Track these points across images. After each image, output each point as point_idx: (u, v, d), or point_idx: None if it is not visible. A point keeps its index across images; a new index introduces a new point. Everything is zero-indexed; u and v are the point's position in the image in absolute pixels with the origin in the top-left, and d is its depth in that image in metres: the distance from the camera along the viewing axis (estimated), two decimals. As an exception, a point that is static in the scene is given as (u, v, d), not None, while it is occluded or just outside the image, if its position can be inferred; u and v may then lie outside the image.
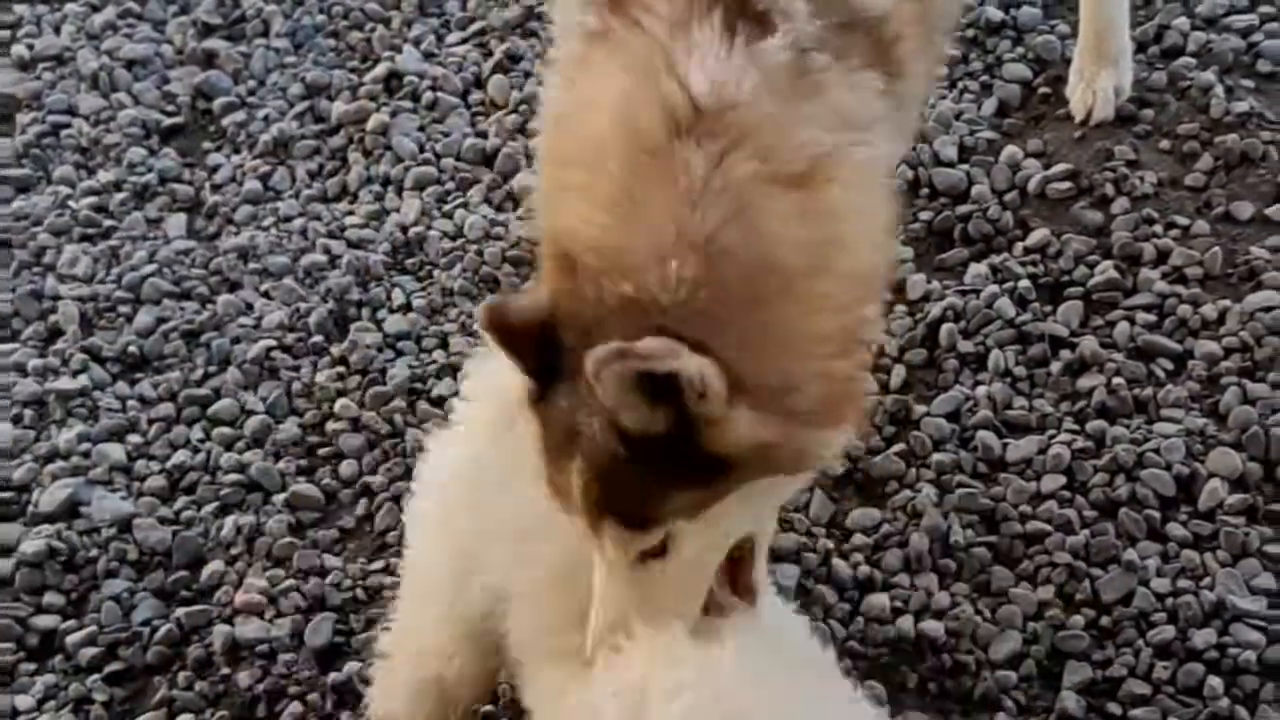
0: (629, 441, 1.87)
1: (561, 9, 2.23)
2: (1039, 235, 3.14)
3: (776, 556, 2.79)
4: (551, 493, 1.99)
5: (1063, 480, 2.83)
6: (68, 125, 3.56)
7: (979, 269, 3.11)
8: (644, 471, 1.90)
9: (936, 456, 2.89)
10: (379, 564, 2.84)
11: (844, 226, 1.97)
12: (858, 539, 2.80)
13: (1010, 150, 3.27)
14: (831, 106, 1.99)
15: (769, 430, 1.89)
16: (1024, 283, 3.08)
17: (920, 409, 2.94)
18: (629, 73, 1.99)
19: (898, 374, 2.99)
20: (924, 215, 3.20)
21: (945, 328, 3.03)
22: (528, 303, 1.97)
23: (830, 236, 1.95)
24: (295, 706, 2.65)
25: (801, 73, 1.98)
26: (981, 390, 2.96)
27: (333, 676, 2.68)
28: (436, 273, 3.23)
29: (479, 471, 2.19)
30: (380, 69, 3.55)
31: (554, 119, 2.13)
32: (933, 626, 2.69)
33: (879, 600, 2.73)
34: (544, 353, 1.94)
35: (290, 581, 2.83)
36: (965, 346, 3.01)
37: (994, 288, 3.07)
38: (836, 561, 2.77)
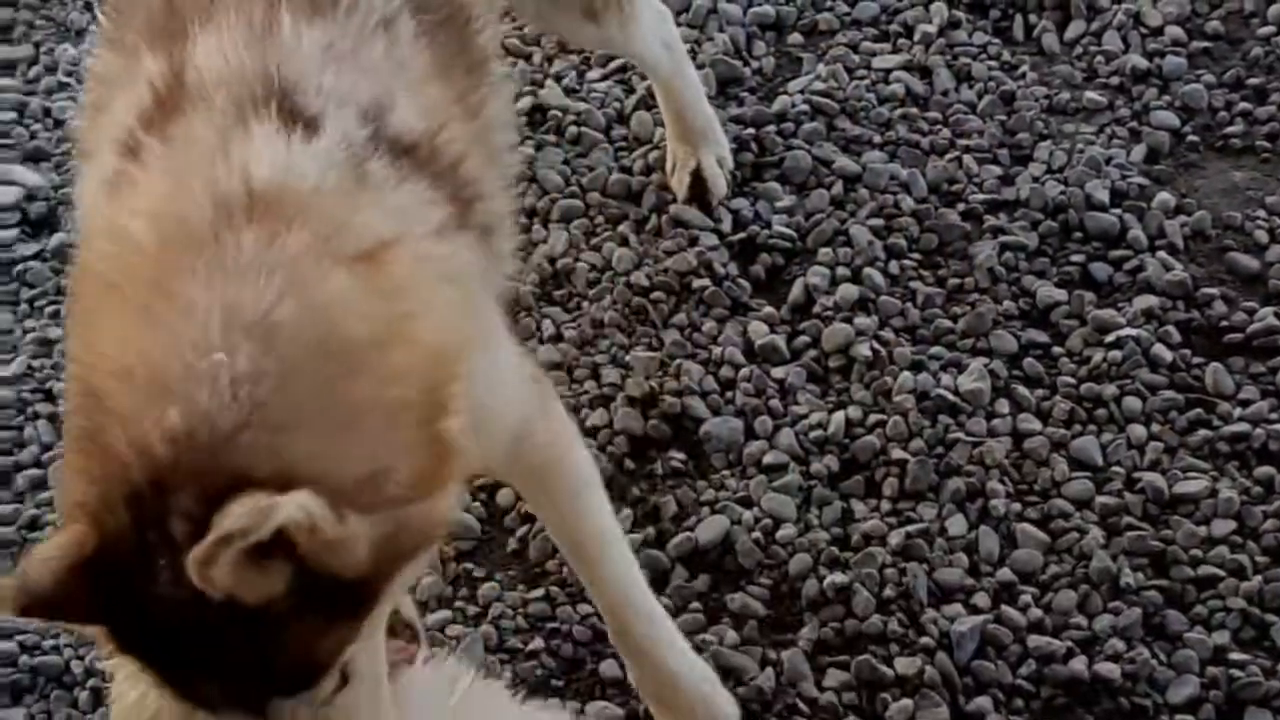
0: (259, 612, 1.69)
1: (90, 162, 2.07)
2: (1195, 280, 3.13)
3: (942, 598, 2.78)
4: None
5: (1233, 525, 2.82)
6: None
7: (1132, 313, 3.10)
8: (294, 628, 1.73)
9: (1102, 499, 2.87)
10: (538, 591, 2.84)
11: (412, 300, 1.86)
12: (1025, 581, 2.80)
13: (1163, 197, 3.26)
14: (390, 205, 1.92)
15: (386, 526, 1.74)
16: (1178, 327, 3.07)
17: (1084, 452, 2.93)
18: (171, 175, 1.87)
19: (1060, 412, 2.98)
20: (1076, 259, 3.19)
21: (1101, 371, 3.02)
22: (51, 551, 1.71)
23: (398, 310, 1.84)
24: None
25: (358, 173, 1.91)
26: (1141, 432, 2.95)
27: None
28: (585, 304, 3.22)
29: None
30: (523, 103, 3.55)
31: (85, 249, 1.96)
32: (1108, 668, 2.67)
33: (1051, 642, 2.71)
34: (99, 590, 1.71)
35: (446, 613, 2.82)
36: (1112, 390, 3.00)
37: (1148, 332, 3.07)
38: (1004, 605, 2.77)
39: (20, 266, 3.33)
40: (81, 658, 2.80)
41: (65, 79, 3.64)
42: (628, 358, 3.11)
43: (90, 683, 2.78)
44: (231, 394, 1.69)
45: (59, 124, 3.56)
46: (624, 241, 3.29)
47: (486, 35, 2.37)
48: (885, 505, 2.90)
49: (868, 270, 3.18)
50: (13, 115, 3.57)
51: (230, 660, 1.74)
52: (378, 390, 1.78)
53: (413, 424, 1.81)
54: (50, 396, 3.13)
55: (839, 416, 3.00)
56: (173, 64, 1.99)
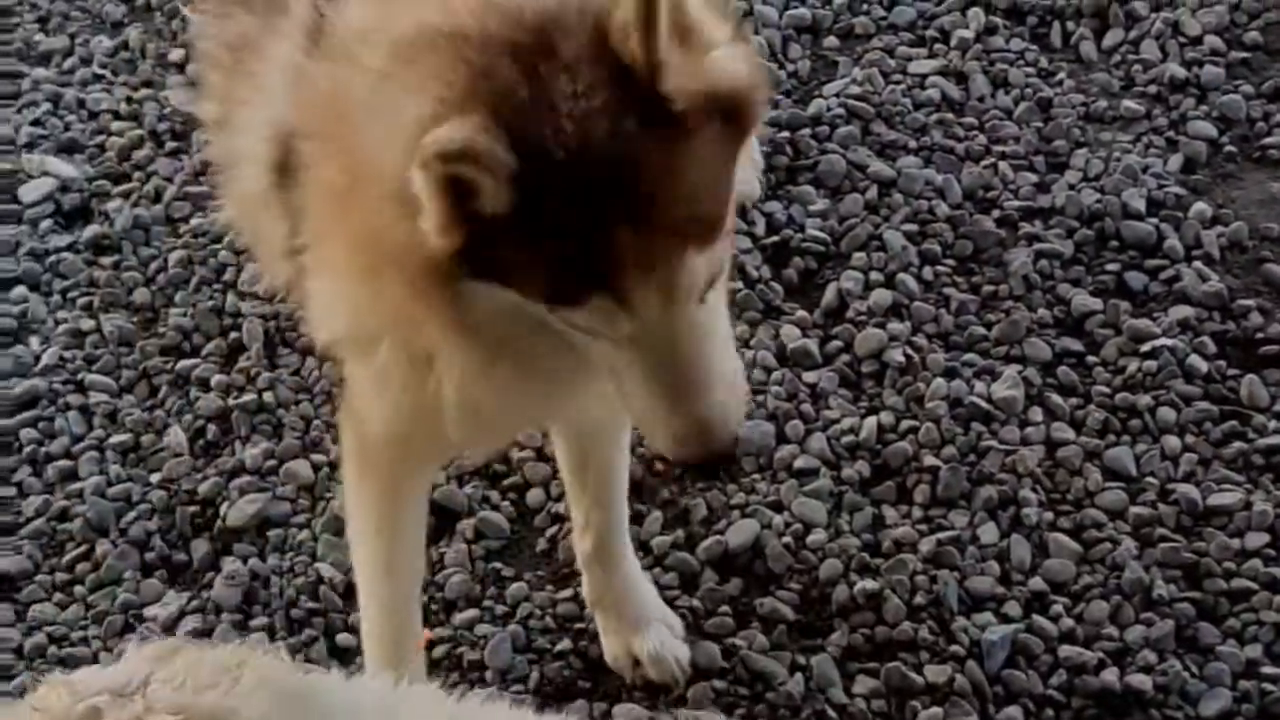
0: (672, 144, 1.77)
1: None
2: (1231, 291, 3.11)
3: (973, 606, 2.77)
4: (577, 288, 1.82)
5: (1266, 538, 2.80)
6: (243, 144, 3.56)
7: (1167, 323, 3.08)
8: (694, 158, 1.79)
9: (1135, 509, 2.85)
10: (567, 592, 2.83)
11: None
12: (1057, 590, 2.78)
13: (1199, 207, 3.24)
14: None
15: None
16: (1214, 338, 3.05)
17: (1118, 462, 2.91)
18: None
19: (1094, 422, 2.96)
20: (1111, 267, 3.17)
21: (1135, 381, 3.01)
22: (466, 120, 1.75)
23: None
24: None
25: None
26: (1175, 443, 2.94)
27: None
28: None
29: None
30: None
31: None
32: (1140, 680, 2.65)
33: (1082, 652, 2.69)
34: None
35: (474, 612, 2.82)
36: (1147, 400, 2.99)
37: (1183, 343, 3.05)
38: (1035, 615, 2.75)
39: (53, 257, 3.33)
40: (110, 650, 2.80)
41: (100, 71, 3.64)
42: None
43: (118, 675, 2.77)
44: None
45: (93, 116, 3.56)
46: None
47: None
48: (917, 512, 2.89)
49: (901, 276, 3.17)
50: (48, 106, 3.57)
51: (644, 202, 1.76)
52: None
53: None
54: (81, 388, 3.13)
55: (871, 422, 2.98)
56: None
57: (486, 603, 2.84)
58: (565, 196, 1.77)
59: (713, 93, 1.81)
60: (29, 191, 3.43)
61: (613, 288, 1.81)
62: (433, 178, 1.75)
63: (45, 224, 3.39)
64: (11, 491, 3.01)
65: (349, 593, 2.83)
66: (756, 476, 2.95)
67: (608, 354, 1.93)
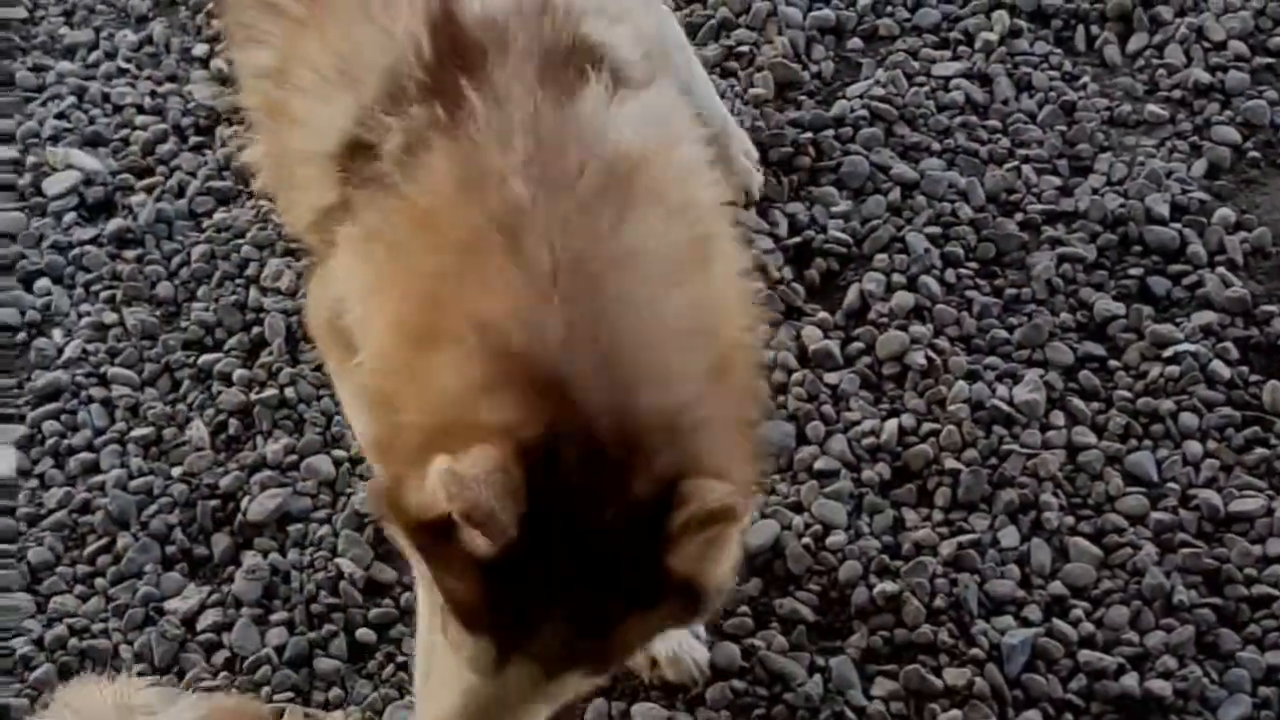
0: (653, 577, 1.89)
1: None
2: (1254, 297, 3.11)
3: (993, 609, 2.77)
4: (480, 621, 1.93)
5: (1288, 545, 2.80)
6: (266, 140, 3.56)
7: (1190, 328, 3.08)
8: (644, 613, 1.94)
9: (1156, 515, 2.85)
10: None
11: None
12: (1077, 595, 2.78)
13: (1223, 212, 3.24)
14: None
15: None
16: (1237, 344, 3.05)
17: (1139, 467, 2.91)
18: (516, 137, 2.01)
19: (1115, 426, 2.96)
20: (1134, 272, 3.17)
21: (1157, 386, 3.00)
22: (493, 451, 1.82)
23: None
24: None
25: None
26: (1197, 449, 2.93)
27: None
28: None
29: None
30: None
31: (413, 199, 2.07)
32: (1160, 686, 2.65)
33: (1102, 657, 2.69)
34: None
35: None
36: (1169, 406, 2.98)
37: (1206, 348, 3.04)
38: (1055, 619, 2.75)
39: (77, 250, 3.34)
40: (131, 642, 2.81)
41: (125, 65, 3.65)
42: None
43: (138, 668, 2.78)
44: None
45: (118, 110, 3.57)
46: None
47: None
48: (937, 515, 2.89)
49: (924, 278, 3.17)
50: (72, 100, 3.58)
51: (583, 621, 1.90)
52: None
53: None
54: (104, 381, 3.14)
55: (892, 424, 2.98)
56: None
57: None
58: (534, 571, 1.87)
59: (694, 582, 1.92)
60: (53, 184, 3.44)
61: (501, 648, 1.94)
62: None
63: (69, 217, 3.39)
64: (34, 483, 3.02)
65: (369, 588, 2.85)
66: (776, 477, 2.95)
67: (454, 650, 2.02)
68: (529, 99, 2.02)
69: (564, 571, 1.87)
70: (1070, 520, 2.85)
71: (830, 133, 3.39)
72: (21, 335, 3.23)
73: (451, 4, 2.13)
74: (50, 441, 3.07)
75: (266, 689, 2.74)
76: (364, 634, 2.80)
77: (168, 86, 3.60)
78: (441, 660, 2.04)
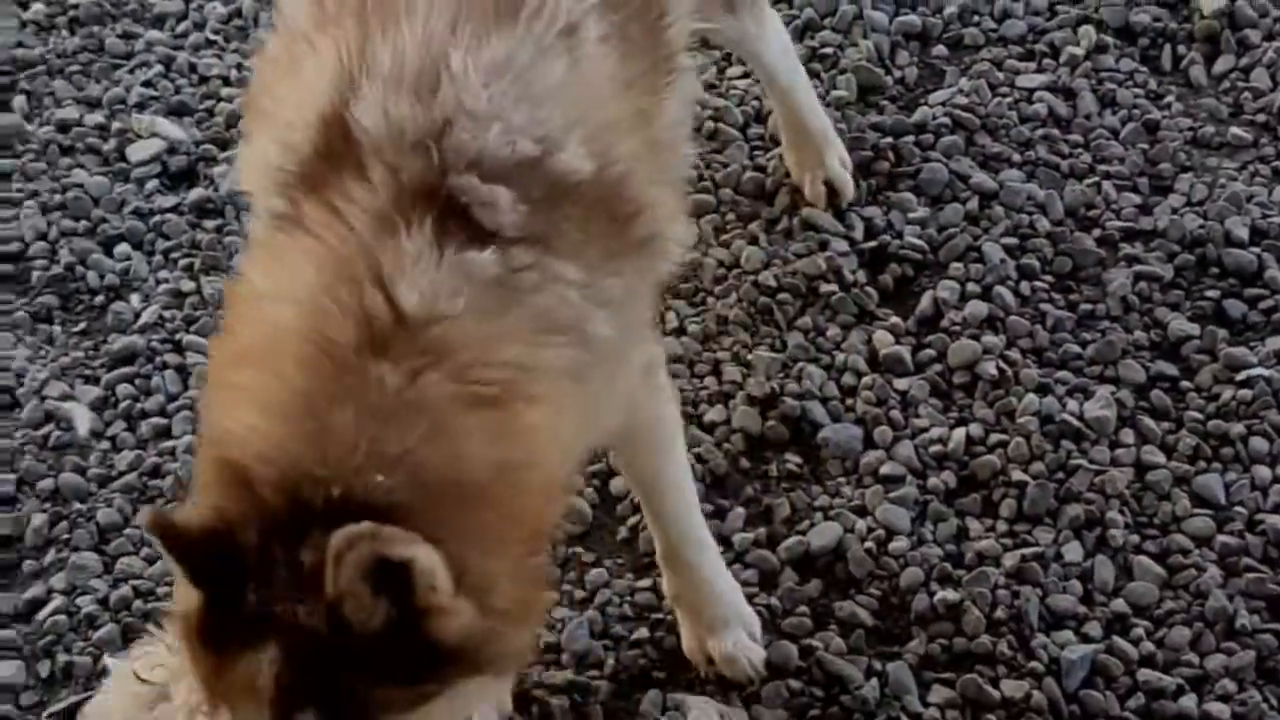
0: (343, 634, 1.84)
1: (254, 187, 2.18)
2: (1332, 323, 3.10)
3: (1054, 624, 2.76)
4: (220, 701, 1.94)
5: (1354, 574, 2.79)
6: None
7: (1264, 353, 3.06)
8: (356, 668, 1.87)
9: (1222, 538, 2.84)
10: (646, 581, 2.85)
11: (534, 445, 2.00)
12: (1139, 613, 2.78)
13: (1303, 237, 3.22)
14: (533, 313, 2.01)
15: (482, 625, 1.90)
16: (1311, 371, 3.04)
17: (1207, 489, 2.90)
18: (323, 272, 1.96)
19: (1185, 447, 2.95)
20: (1211, 294, 3.15)
21: (1229, 409, 2.99)
22: (195, 514, 1.92)
23: (521, 458, 1.98)
24: None
25: (505, 281, 1.99)
26: (1266, 473, 2.92)
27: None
28: (711, 300, 3.22)
29: None
30: (662, 94, 3.55)
31: (234, 305, 2.10)
32: (1218, 709, 2.64)
33: (1161, 677, 2.69)
34: (210, 562, 1.88)
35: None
36: (1239, 429, 2.97)
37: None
38: (1115, 636, 2.75)
39: (158, 218, 3.37)
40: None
41: (213, 36, 3.68)
42: (750, 356, 3.11)
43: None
44: (386, 491, 1.86)
45: (204, 80, 3.60)
46: (754, 240, 3.29)
47: (676, 29, 2.40)
48: (1001, 526, 2.88)
49: (998, 289, 3.16)
50: (159, 69, 3.62)
51: (288, 660, 1.86)
52: (497, 522, 1.95)
53: (519, 557, 1.98)
54: (179, 348, 3.17)
55: (960, 433, 2.98)
56: None
57: (565, 587, 2.86)
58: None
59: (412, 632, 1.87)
60: (137, 151, 3.48)
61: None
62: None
63: (151, 184, 3.43)
64: (105, 445, 3.06)
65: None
66: (842, 480, 2.95)
67: None
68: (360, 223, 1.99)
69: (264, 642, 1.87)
70: (1135, 539, 2.84)
71: (911, 139, 3.39)
72: (100, 298, 3.27)
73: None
74: (123, 405, 3.11)
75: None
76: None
77: (254, 60, 3.63)
78: None
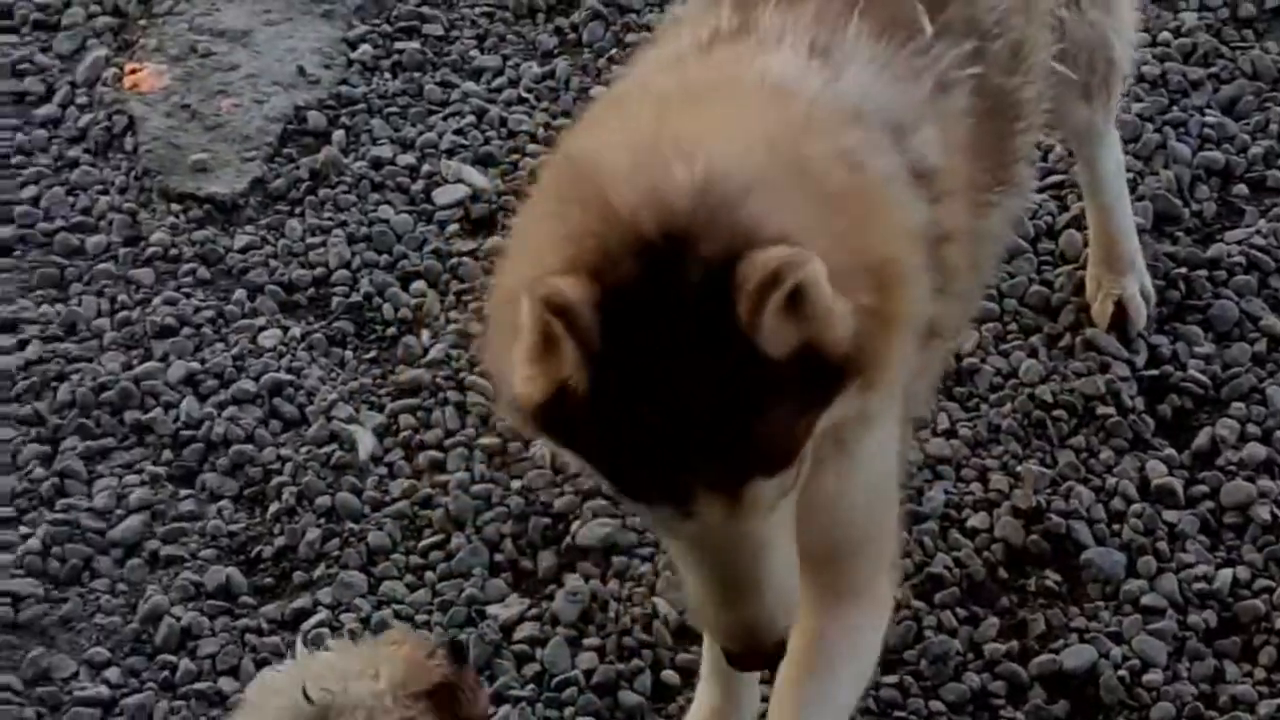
0: (752, 380, 1.76)
1: None
2: None
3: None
4: (640, 487, 1.85)
5: None
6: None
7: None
8: (781, 402, 1.79)
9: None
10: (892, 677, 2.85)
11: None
12: None
13: None
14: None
15: (856, 323, 1.80)
16: None
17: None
18: None
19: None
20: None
21: None
22: (574, 281, 1.76)
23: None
24: None
25: None
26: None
27: None
28: (984, 407, 3.23)
29: None
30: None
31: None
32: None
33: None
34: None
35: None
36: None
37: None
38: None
39: (454, 260, 3.50)
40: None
41: (525, 94, 3.81)
42: (1019, 468, 3.11)
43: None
44: (743, 154, 1.81)
45: (512, 135, 3.73)
46: (1033, 353, 3.29)
47: (1025, 137, 2.42)
48: (1260, 673, 2.83)
49: (1279, 434, 3.11)
50: (472, 119, 3.76)
51: (718, 432, 1.78)
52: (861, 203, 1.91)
53: (878, 253, 1.89)
54: (461, 386, 3.28)
55: (1226, 574, 2.94)
56: None
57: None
58: (641, 404, 1.78)
59: (809, 348, 1.78)
60: (442, 194, 3.62)
61: (676, 499, 1.84)
62: (536, 315, 1.77)
63: (452, 228, 3.56)
64: (383, 470, 3.17)
65: (680, 632, 2.92)
66: (1100, 604, 2.93)
67: (669, 540, 2.02)
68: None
69: (664, 386, 1.77)
70: (1402, 706, 2.77)
71: (1204, 273, 3.36)
72: (392, 330, 3.40)
73: None
74: (404, 434, 3.22)
75: (570, 709, 2.82)
76: (669, 675, 2.87)
77: (562, 120, 3.75)
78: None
